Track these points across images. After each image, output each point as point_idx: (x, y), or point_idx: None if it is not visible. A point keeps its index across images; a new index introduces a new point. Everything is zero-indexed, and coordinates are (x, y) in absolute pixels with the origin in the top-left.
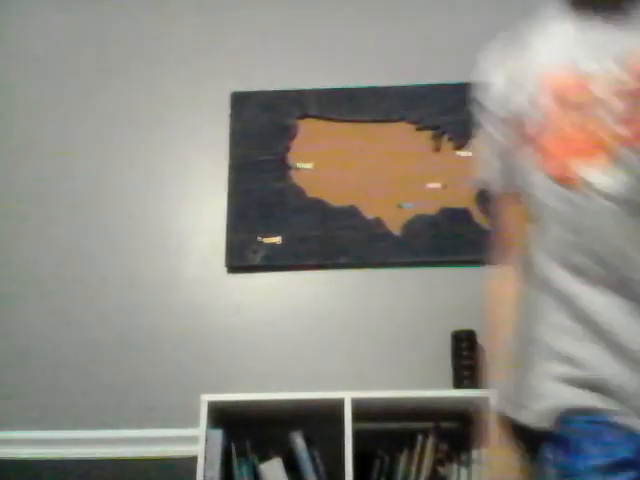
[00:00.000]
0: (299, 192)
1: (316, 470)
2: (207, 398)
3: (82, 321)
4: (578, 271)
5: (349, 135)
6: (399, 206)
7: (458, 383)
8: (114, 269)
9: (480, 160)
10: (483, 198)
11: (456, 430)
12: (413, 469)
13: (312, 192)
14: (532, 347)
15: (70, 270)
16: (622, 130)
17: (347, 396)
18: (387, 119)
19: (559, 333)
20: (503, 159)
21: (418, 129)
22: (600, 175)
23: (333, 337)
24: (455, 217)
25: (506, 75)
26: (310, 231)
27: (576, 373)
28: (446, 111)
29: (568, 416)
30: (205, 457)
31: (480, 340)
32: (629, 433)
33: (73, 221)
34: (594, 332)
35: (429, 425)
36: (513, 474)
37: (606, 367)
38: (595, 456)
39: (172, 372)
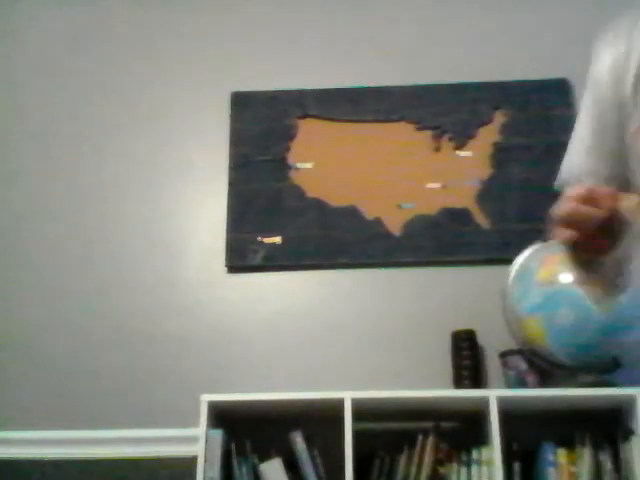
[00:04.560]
0: (299, 192)
1: (316, 470)
2: (207, 398)
3: (82, 321)
4: None
5: (349, 135)
6: (399, 206)
7: (458, 383)
8: (114, 269)
9: (576, 152)
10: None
11: (456, 430)
12: (413, 469)
13: (312, 192)
14: None
15: (70, 270)
16: None
17: (347, 396)
18: (387, 119)
19: None
20: (611, 147)
21: (418, 129)
22: None
23: (333, 337)
24: (455, 217)
25: (614, 57)
26: (310, 231)
27: None
28: (446, 111)
29: None
30: (205, 457)
31: (480, 340)
32: None
33: (73, 222)
34: None
35: (429, 425)
36: None
37: None
38: None
39: (172, 372)
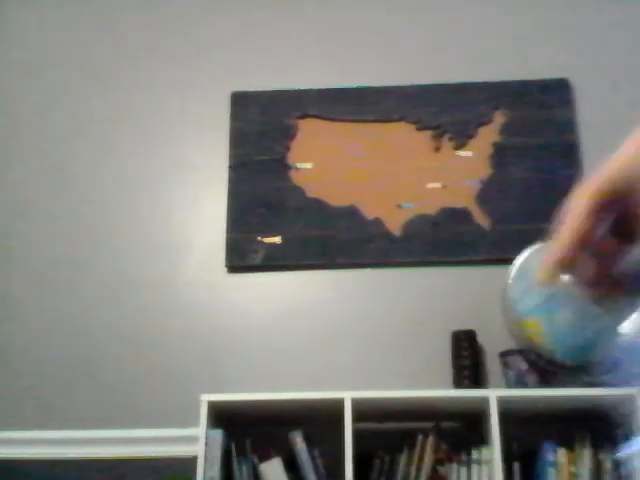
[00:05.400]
0: (299, 192)
1: (316, 470)
2: (207, 398)
3: (82, 321)
4: None
5: (349, 135)
6: (399, 206)
7: (458, 383)
8: (114, 269)
9: None
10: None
11: (456, 430)
12: (413, 469)
13: (312, 192)
14: None
15: (70, 270)
16: None
17: (347, 396)
18: (387, 119)
19: None
20: None
21: (418, 129)
22: None
23: (333, 337)
24: (455, 217)
25: None
26: (310, 231)
27: None
28: (446, 111)
29: None
30: (205, 457)
31: (480, 340)
32: None
33: (73, 221)
34: None
35: (429, 425)
36: None
37: None
38: None
39: (172, 372)
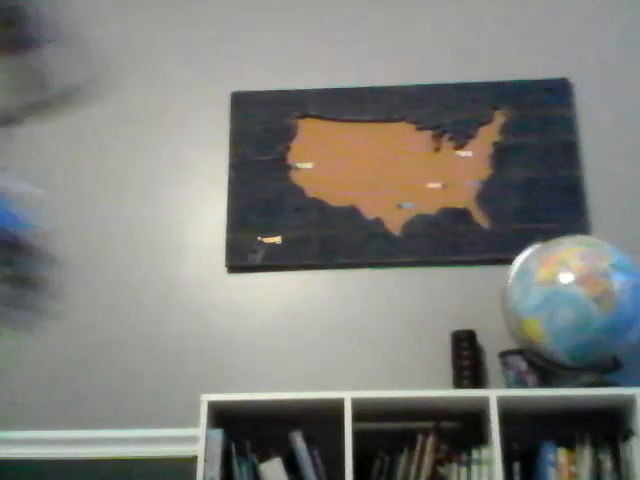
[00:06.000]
0: (299, 192)
1: (316, 470)
2: (207, 398)
3: (81, 321)
4: None
5: (349, 135)
6: (399, 206)
7: (458, 383)
8: (114, 269)
9: None
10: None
11: (456, 430)
12: (413, 469)
13: (312, 192)
14: None
15: (70, 270)
16: None
17: (347, 396)
18: (387, 119)
19: None
20: None
21: (418, 129)
22: None
23: (333, 337)
24: (455, 217)
25: None
26: (310, 231)
27: None
28: (446, 111)
29: None
30: (205, 457)
31: (480, 340)
32: None
33: (73, 221)
34: None
35: (429, 425)
36: None
37: None
38: None
39: (172, 372)
